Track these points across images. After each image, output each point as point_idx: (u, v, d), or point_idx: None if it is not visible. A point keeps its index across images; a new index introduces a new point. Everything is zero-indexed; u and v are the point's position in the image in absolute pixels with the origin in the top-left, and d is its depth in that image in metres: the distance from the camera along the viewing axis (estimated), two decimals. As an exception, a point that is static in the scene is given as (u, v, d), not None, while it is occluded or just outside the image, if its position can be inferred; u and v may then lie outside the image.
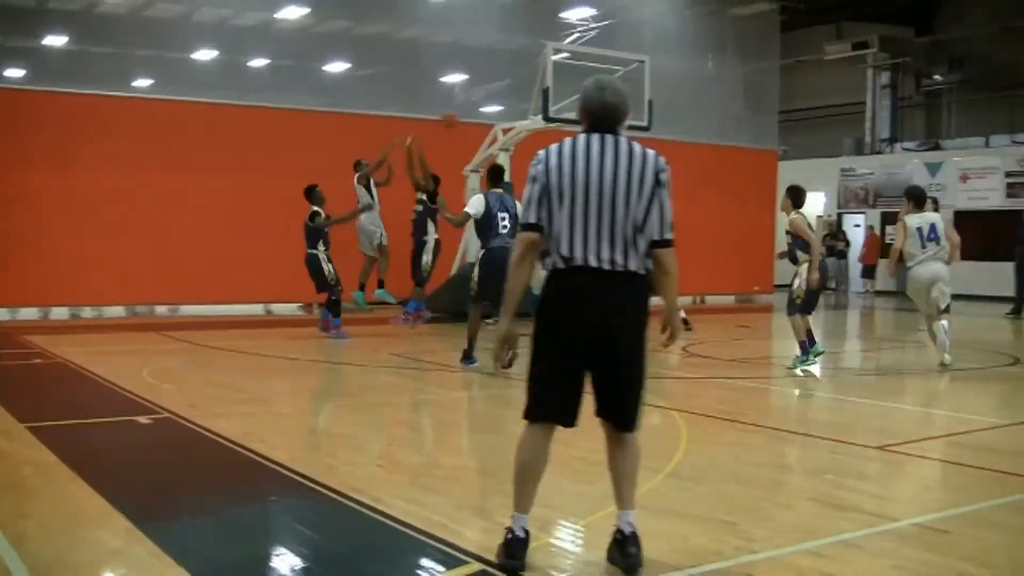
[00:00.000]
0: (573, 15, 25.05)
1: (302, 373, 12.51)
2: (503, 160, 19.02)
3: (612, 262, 4.71)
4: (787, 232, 12.38)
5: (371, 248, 16.98)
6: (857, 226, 34.33)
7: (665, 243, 4.80)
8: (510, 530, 4.88)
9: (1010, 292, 22.48)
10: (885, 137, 35.66)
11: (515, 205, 12.13)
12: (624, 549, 4.81)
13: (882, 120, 35.96)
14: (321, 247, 15.60)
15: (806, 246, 12.03)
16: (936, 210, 13.78)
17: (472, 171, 19.63)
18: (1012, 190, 29.88)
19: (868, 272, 32.48)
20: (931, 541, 5.40)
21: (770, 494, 6.43)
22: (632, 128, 18.53)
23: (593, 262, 4.70)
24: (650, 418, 9.36)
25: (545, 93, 17.59)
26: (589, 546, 5.33)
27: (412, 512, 5.71)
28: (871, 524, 5.69)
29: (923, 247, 12.48)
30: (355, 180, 17.06)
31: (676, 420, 9.02)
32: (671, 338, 5.00)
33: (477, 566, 4.83)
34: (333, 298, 15.69)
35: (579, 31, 24.64)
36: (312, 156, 19.62)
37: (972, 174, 30.76)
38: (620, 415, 4.88)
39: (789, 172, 32.07)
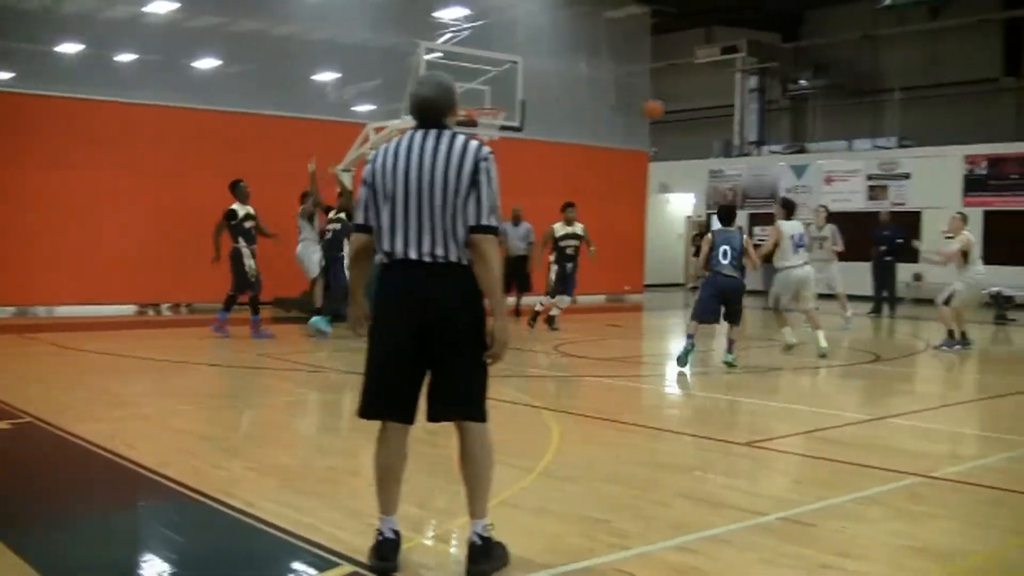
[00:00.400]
0: (446, 14, 25.01)
1: (172, 375, 12.28)
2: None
3: (432, 254, 4.71)
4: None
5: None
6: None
7: (482, 228, 4.72)
8: (380, 532, 4.84)
9: (871, 292, 23.33)
10: (753, 140, 36.33)
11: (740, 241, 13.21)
12: (471, 557, 4.78)
13: (750, 123, 36.64)
14: (243, 242, 15.43)
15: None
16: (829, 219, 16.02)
17: (343, 170, 19.46)
18: (873, 192, 30.75)
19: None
20: (797, 534, 5.53)
21: (642, 491, 6.50)
22: (504, 128, 18.67)
23: (413, 255, 4.72)
24: (521, 418, 9.43)
25: (418, 92, 17.50)
26: (463, 546, 5.33)
27: (283, 515, 5.65)
28: (739, 519, 5.80)
29: (795, 252, 13.89)
30: (299, 213, 17.15)
31: (548, 419, 9.07)
32: (495, 351, 4.80)
33: (349, 568, 4.80)
34: (254, 295, 15.60)
35: (452, 31, 24.61)
36: (181, 154, 19.30)
37: (836, 177, 31.54)
38: (452, 406, 4.83)
39: (659, 173, 32.60)
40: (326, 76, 24.06)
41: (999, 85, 32.66)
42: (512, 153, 21.50)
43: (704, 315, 12.92)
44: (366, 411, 4.90)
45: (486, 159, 4.80)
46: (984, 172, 28.86)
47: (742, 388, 11.73)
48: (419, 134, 4.88)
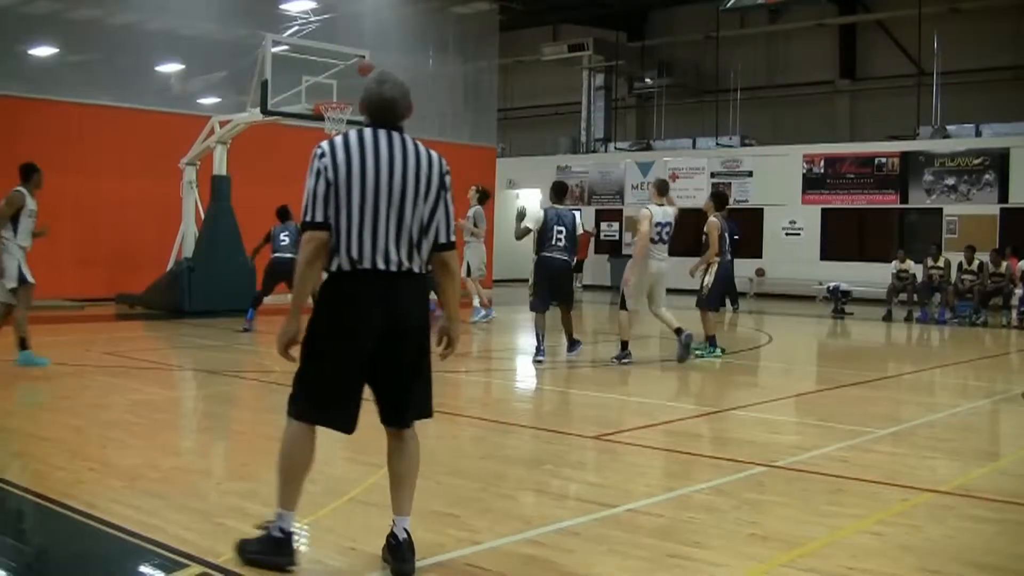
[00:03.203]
0: (293, 7, 24.76)
1: (10, 375, 11.85)
2: (220, 154, 18.62)
3: (399, 264, 4.63)
4: (704, 233, 13.67)
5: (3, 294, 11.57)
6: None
7: (450, 245, 4.79)
8: (279, 528, 4.75)
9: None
10: (600, 137, 36.77)
11: (573, 220, 13.25)
12: (400, 555, 4.72)
13: (597, 120, 37.07)
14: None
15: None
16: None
17: (188, 164, 19.11)
18: (717, 190, 31.41)
19: (578, 267, 33.31)
20: (645, 525, 5.61)
21: (490, 485, 6.52)
22: (352, 123, 18.57)
23: (381, 264, 4.59)
24: (369, 414, 9.36)
25: (264, 86, 17.30)
26: (314, 545, 5.27)
27: (128, 516, 5.50)
28: (588, 511, 5.86)
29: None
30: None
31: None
32: (450, 347, 5.05)
33: (198, 568, 4.71)
34: None
35: (299, 23, 24.37)
36: (12, 145, 18.68)
37: (681, 174, 32.12)
38: (405, 413, 4.88)
39: (507, 169, 32.80)
40: (169, 67, 23.55)
41: (835, 87, 33.75)
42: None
43: (542, 306, 12.98)
44: (315, 416, 4.78)
45: (448, 172, 4.82)
46: (821, 171, 29.74)
47: (590, 382, 11.85)
48: (382, 135, 4.73)
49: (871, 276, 25.32)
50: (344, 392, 4.71)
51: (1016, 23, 29.81)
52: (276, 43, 18.19)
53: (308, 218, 4.60)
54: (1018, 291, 20.89)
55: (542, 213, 13.04)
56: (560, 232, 12.83)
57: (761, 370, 13.68)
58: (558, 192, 13.57)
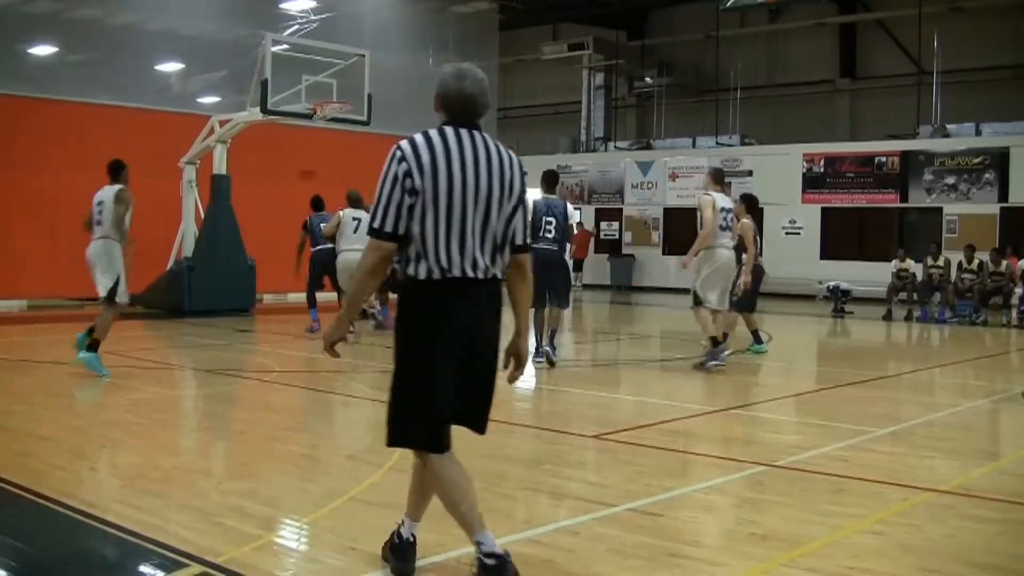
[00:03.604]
0: (293, 6, 24.76)
1: (8, 374, 11.86)
2: (220, 153, 18.61)
3: (485, 270, 4.41)
4: (738, 235, 13.12)
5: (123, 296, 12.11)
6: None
7: (527, 247, 4.60)
8: (398, 534, 4.71)
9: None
10: (599, 136, 36.75)
11: (564, 209, 12.71)
12: (506, 572, 4.43)
13: (596, 119, 37.04)
14: None
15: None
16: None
17: (188, 163, 19.11)
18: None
19: (578, 266, 33.30)
20: (645, 524, 5.61)
21: (491, 485, 6.51)
22: (351, 122, 18.55)
23: (470, 271, 4.35)
24: (372, 413, 9.37)
25: (264, 85, 17.29)
26: (313, 544, 5.27)
27: (128, 516, 5.50)
28: (587, 511, 5.86)
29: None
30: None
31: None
32: (519, 367, 4.75)
33: (198, 568, 4.70)
34: None
35: (299, 23, 24.37)
36: (12, 145, 18.70)
37: (680, 173, 32.13)
38: (481, 423, 4.64)
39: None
40: (169, 67, 23.54)
41: (835, 87, 33.75)
42: (359, 147, 21.43)
43: (536, 303, 12.13)
44: (440, 445, 4.51)
45: (526, 172, 4.64)
46: (821, 170, 29.74)
47: (590, 381, 11.84)
48: (464, 135, 4.51)
49: (871, 275, 25.30)
50: (446, 409, 4.44)
51: (1016, 22, 29.81)
52: (276, 42, 18.20)
53: (377, 225, 4.32)
54: (1018, 290, 20.89)
55: (531, 204, 12.65)
56: (550, 223, 12.42)
57: (761, 369, 13.67)
58: (549, 181, 13.20)
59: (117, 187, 11.36)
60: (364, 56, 18.52)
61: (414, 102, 26.00)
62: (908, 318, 21.74)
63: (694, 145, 33.02)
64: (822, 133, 31.69)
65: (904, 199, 28.44)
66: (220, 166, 18.67)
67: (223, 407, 10.08)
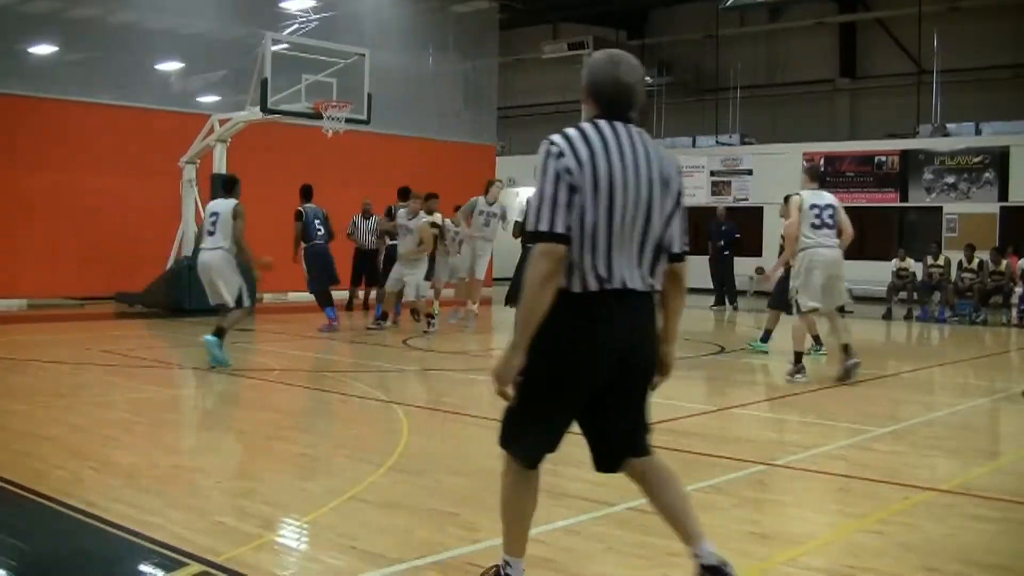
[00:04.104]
0: (293, 5, 24.74)
1: (8, 373, 11.86)
2: (220, 152, 18.60)
3: (644, 280, 3.99)
4: (781, 236, 12.89)
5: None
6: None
7: (683, 256, 4.16)
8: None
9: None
10: (599, 135, 36.69)
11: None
12: None
13: (596, 119, 36.97)
14: None
15: None
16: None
17: (188, 162, 19.11)
18: (716, 188, 31.47)
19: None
20: (645, 524, 5.60)
21: (490, 484, 6.47)
22: (352, 121, 18.54)
23: (630, 282, 3.93)
24: (371, 412, 9.38)
25: (264, 84, 17.29)
26: (313, 543, 5.27)
27: (128, 515, 5.50)
28: (588, 510, 5.86)
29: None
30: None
31: (397, 413, 9.03)
32: (665, 374, 4.30)
33: (197, 567, 4.70)
34: None
35: (299, 22, 24.35)
36: (12, 144, 18.71)
37: (681, 173, 32.11)
38: (637, 443, 4.25)
39: (507, 167, 32.78)
40: (169, 66, 23.52)
41: (835, 86, 33.73)
42: (359, 147, 21.46)
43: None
44: (530, 458, 4.21)
45: (682, 171, 4.26)
46: (821, 169, 29.68)
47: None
48: (620, 129, 4.06)
49: (871, 274, 25.27)
50: (559, 427, 4.13)
51: (1016, 22, 29.79)
52: (276, 41, 18.20)
53: (545, 227, 3.81)
54: (1018, 289, 20.88)
55: (526, 203, 12.36)
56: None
57: (761, 368, 13.67)
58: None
59: (233, 202, 11.94)
60: (364, 55, 18.52)
61: (414, 101, 26.14)
62: (908, 317, 21.75)
63: (694, 144, 32.99)
64: (822, 132, 31.68)
65: (904, 198, 28.43)
66: (220, 165, 18.66)
67: (223, 406, 10.09)
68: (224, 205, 11.93)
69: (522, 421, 4.09)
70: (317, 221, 16.16)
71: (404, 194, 16.80)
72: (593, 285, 3.86)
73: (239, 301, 11.70)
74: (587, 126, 4.01)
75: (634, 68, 4.12)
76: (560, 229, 3.79)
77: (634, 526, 5.55)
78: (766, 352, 14.02)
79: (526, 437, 4.13)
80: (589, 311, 3.89)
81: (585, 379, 3.95)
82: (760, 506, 6.11)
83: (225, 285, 11.71)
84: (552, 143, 3.95)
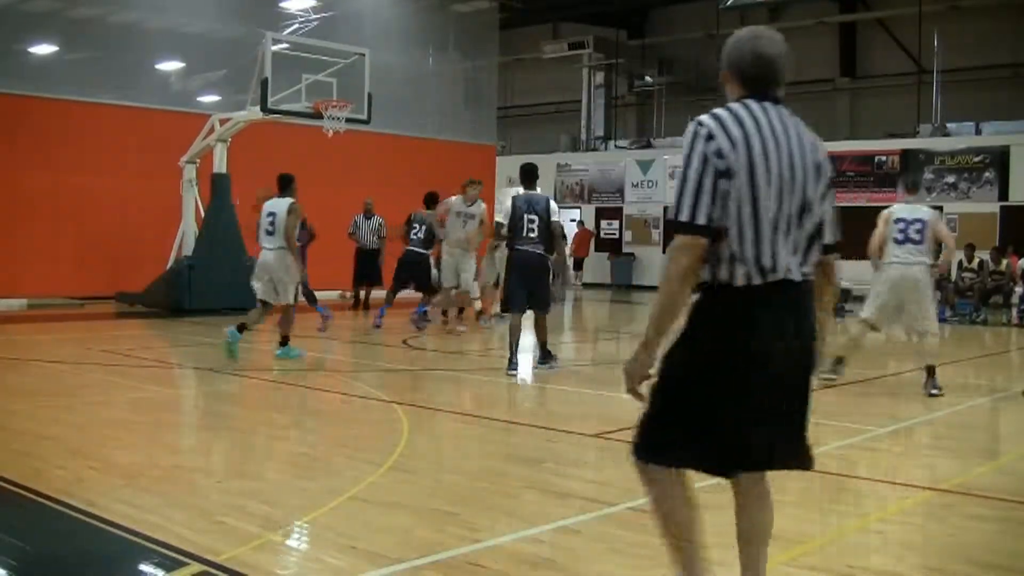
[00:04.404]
0: (293, 5, 24.76)
1: (7, 373, 11.85)
2: (220, 152, 18.61)
3: (802, 271, 3.67)
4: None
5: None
6: (573, 221, 35.30)
7: (836, 246, 3.91)
8: None
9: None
10: (600, 135, 36.74)
11: (546, 206, 11.79)
12: None
13: (597, 118, 37.03)
14: None
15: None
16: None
17: (188, 162, 19.12)
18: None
19: (578, 265, 33.19)
20: (646, 524, 5.58)
21: (491, 484, 6.51)
22: (352, 121, 18.53)
23: (792, 272, 3.62)
24: (372, 412, 9.38)
25: (264, 84, 17.29)
26: (313, 543, 5.27)
27: (128, 514, 5.49)
28: (588, 510, 5.85)
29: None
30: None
31: (397, 413, 9.02)
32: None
33: (198, 567, 4.69)
34: None
35: (299, 22, 24.38)
36: (12, 143, 18.70)
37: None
38: (801, 454, 3.83)
39: (507, 167, 32.82)
40: (169, 65, 23.53)
41: (835, 85, 33.74)
42: (360, 146, 21.46)
43: (515, 307, 11.62)
44: (669, 458, 3.87)
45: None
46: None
47: (591, 380, 11.84)
48: (770, 109, 3.74)
49: (871, 274, 25.25)
50: (713, 428, 3.70)
51: (1016, 21, 29.80)
52: (276, 41, 18.20)
53: (686, 217, 3.51)
54: (1018, 289, 20.90)
55: (510, 203, 11.87)
56: (532, 221, 11.53)
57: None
58: (528, 175, 12.22)
59: (289, 200, 12.31)
60: (364, 55, 18.52)
61: (414, 101, 26.14)
62: (908, 317, 21.71)
63: (694, 144, 32.96)
64: (822, 132, 30.77)
65: (904, 198, 28.40)
66: (220, 165, 18.67)
67: (223, 406, 10.07)
68: (281, 204, 12.25)
69: (671, 426, 3.80)
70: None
71: (432, 199, 16.75)
72: (757, 278, 3.55)
73: (295, 299, 12.35)
74: (736, 106, 3.72)
75: (775, 41, 3.84)
76: (702, 220, 3.49)
77: (635, 526, 5.54)
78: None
79: (673, 447, 3.80)
80: (753, 307, 3.57)
81: (756, 376, 3.56)
82: (760, 506, 6.10)
83: (284, 284, 12.16)
84: (700, 123, 3.68)
